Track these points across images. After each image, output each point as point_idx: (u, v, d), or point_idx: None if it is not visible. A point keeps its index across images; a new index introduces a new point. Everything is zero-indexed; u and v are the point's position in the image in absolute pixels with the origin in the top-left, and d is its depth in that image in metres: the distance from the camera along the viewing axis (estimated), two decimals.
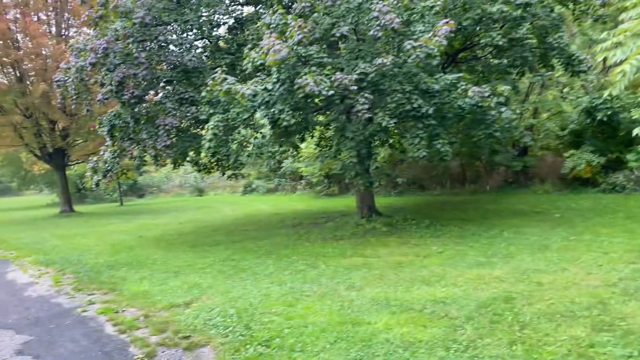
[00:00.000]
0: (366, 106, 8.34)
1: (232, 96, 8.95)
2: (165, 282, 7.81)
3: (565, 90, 18.55)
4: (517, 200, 16.08)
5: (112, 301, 6.91)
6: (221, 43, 12.40)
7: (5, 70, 24.41)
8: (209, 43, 12.49)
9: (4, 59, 23.35)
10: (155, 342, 5.12)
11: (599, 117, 15.54)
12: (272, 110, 8.82)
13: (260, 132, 10.29)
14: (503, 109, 9.34)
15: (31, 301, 7.39)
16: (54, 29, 25.85)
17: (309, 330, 5.10)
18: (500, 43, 10.03)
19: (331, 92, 8.08)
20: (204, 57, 11.81)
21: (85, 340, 5.37)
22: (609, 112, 15.43)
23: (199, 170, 16.76)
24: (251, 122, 9.88)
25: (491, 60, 12.58)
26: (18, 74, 24.42)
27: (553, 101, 18.29)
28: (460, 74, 9.48)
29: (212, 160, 15.52)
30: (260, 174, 31.48)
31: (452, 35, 8.55)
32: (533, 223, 11.20)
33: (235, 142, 10.24)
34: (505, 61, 12.18)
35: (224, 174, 17.96)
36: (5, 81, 24.58)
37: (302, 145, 18.51)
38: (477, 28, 10.80)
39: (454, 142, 9.61)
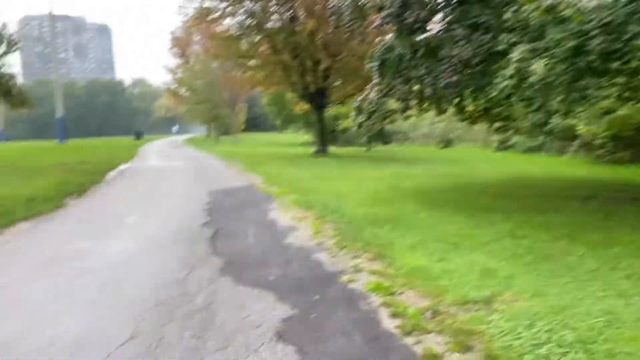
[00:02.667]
0: None
1: (555, 15, 6.38)
2: (445, 257, 6.03)
3: None
4: None
5: (383, 274, 5.43)
6: None
7: (280, 10, 25.56)
8: None
9: None
10: None
11: None
12: (617, 34, 5.98)
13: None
14: None
15: (292, 252, 6.49)
16: None
17: None
18: None
19: None
20: None
21: (359, 335, 3.92)
22: None
23: (463, 120, 14.56)
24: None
25: None
26: (290, 13, 25.33)
27: None
28: None
29: (479, 109, 13.16)
30: (521, 128, 27.45)
31: None
32: None
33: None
34: None
35: (491, 125, 15.51)
36: (280, 22, 25.83)
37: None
38: None
39: None
